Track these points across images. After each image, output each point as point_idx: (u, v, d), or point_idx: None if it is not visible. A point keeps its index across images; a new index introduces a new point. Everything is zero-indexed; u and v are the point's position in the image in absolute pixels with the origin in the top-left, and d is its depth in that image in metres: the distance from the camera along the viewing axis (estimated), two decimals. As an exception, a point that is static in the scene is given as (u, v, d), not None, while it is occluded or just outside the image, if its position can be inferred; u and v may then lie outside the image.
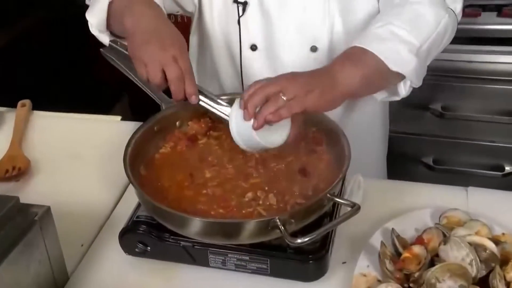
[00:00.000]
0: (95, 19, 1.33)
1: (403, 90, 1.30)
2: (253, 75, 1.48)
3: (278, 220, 1.00)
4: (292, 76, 1.12)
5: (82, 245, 1.24)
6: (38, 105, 1.73)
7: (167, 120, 1.27)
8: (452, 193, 1.32)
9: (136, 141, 1.19)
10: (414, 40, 1.23)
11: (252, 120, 1.07)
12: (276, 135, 1.10)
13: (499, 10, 2.15)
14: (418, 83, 1.28)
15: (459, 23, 1.40)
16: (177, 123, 1.28)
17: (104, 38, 1.37)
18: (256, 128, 1.07)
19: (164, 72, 1.12)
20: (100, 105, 2.08)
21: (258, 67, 1.48)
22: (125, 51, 1.21)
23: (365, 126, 1.59)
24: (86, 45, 2.69)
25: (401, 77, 1.25)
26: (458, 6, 1.37)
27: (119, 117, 1.64)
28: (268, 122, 1.07)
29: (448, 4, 1.34)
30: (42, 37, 2.71)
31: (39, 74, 2.65)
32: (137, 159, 1.17)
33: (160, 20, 1.19)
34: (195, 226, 1.04)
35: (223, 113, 1.17)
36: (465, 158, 2.37)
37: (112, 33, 1.36)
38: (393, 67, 1.20)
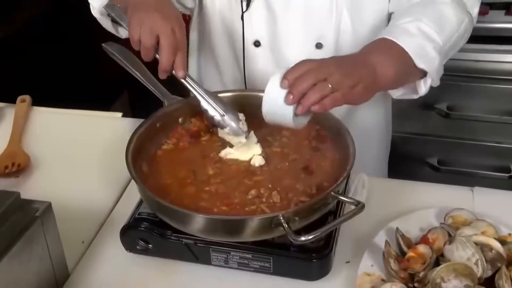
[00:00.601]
0: (98, 1, 1.35)
1: (423, 88, 1.32)
2: (256, 72, 1.49)
3: (281, 218, 1.01)
4: (340, 64, 1.14)
5: (83, 242, 1.25)
6: (38, 101, 1.74)
7: (169, 116, 1.28)
8: (458, 193, 1.33)
9: (138, 138, 1.20)
10: (438, 39, 1.27)
11: (291, 105, 1.09)
12: (303, 118, 1.13)
13: (507, 8, 2.17)
14: (437, 82, 1.31)
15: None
16: (180, 119, 1.29)
17: (106, 22, 1.39)
18: (300, 113, 1.09)
19: (156, 41, 1.15)
20: (100, 101, 2.09)
21: (261, 64, 1.49)
22: (123, 13, 1.25)
23: (368, 126, 1.60)
24: (87, 40, 2.72)
25: (420, 75, 1.28)
26: (475, 10, 1.42)
27: (120, 114, 1.65)
28: (312, 111, 1.09)
29: (467, 8, 1.38)
30: (42, 31, 2.72)
31: (39, 69, 2.66)
32: (139, 156, 1.18)
33: None
34: (198, 223, 1.05)
35: (206, 100, 1.23)
36: (471, 159, 2.38)
37: (112, 19, 1.37)
38: (420, 63, 1.23)
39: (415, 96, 1.35)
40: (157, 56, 1.19)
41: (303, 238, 0.99)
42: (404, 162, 2.43)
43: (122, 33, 1.40)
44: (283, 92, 1.09)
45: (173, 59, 1.17)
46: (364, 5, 1.42)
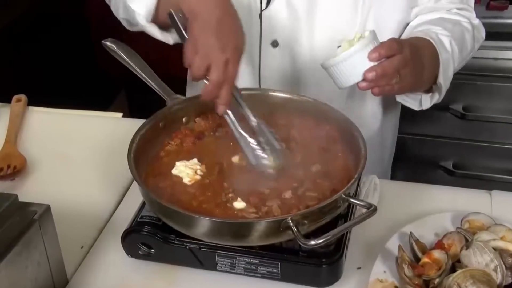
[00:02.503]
0: (143, 7, 1.30)
1: (429, 103, 1.40)
2: (272, 72, 1.50)
3: (290, 221, 1.02)
4: (415, 60, 1.24)
5: (82, 247, 1.26)
6: (34, 100, 1.76)
7: (173, 116, 1.30)
8: (475, 196, 1.34)
9: (140, 138, 1.21)
10: (457, 61, 1.39)
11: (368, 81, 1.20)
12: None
13: (528, 2, 2.18)
14: (440, 100, 1.41)
15: (483, 17, 1.49)
16: (184, 119, 1.31)
17: (153, 29, 1.34)
18: (362, 88, 1.22)
19: (207, 70, 1.12)
20: (98, 101, 2.11)
21: (278, 65, 1.49)
22: (181, 25, 1.17)
23: (372, 128, 1.62)
24: (84, 38, 2.74)
25: (427, 88, 1.38)
26: (477, 46, 1.52)
27: (120, 114, 1.67)
28: (373, 92, 1.23)
29: (479, 32, 1.50)
30: (37, 29, 2.74)
31: (34, 68, 2.68)
32: (141, 157, 1.19)
33: (226, 5, 1.19)
34: (203, 226, 1.06)
35: (242, 136, 1.18)
36: (488, 162, 2.39)
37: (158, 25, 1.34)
38: (441, 79, 1.33)
39: (416, 108, 1.42)
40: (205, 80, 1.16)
41: (312, 242, 1.00)
42: (417, 166, 2.44)
43: (170, 39, 1.36)
44: (367, 62, 1.19)
45: (216, 94, 1.14)
46: (389, 13, 1.46)
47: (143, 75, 1.30)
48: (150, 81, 1.30)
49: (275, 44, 1.47)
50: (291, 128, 1.28)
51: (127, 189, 1.41)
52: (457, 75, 1.64)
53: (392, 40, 1.22)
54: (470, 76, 2.24)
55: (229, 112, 1.17)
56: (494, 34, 2.14)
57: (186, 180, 1.17)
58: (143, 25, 1.33)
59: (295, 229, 1.01)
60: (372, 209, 1.05)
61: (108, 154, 1.52)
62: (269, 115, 1.29)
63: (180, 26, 1.17)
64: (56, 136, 1.62)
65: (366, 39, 1.19)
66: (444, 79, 1.33)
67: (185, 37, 1.16)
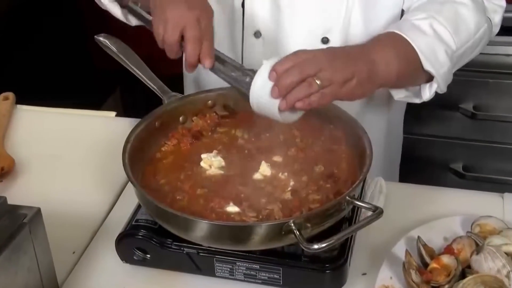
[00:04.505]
0: None
1: (428, 93, 1.34)
2: (254, 65, 1.51)
3: (292, 224, 1.03)
4: (332, 56, 1.16)
5: (73, 253, 1.27)
6: (22, 98, 1.76)
7: (169, 115, 1.31)
8: (486, 199, 1.36)
9: (135, 138, 1.22)
10: (452, 42, 1.29)
11: (277, 98, 1.12)
12: (293, 114, 1.16)
13: (544, -5, 2.18)
14: (443, 89, 1.33)
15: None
16: (181, 118, 1.32)
17: (115, 9, 1.41)
18: (283, 109, 1.12)
19: (181, 35, 1.18)
20: (91, 100, 2.12)
21: (260, 56, 1.49)
22: (145, 13, 1.28)
23: (374, 128, 1.62)
24: (77, 33, 2.75)
25: (427, 78, 1.30)
26: (497, 17, 1.43)
27: (113, 113, 1.68)
28: (296, 108, 1.12)
29: (487, 13, 1.40)
30: (25, 24, 2.75)
31: (23, 64, 2.69)
32: (136, 157, 1.20)
33: None
34: (202, 230, 1.07)
35: (241, 86, 1.21)
36: (500, 164, 2.39)
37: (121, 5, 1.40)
38: (427, 65, 1.25)
39: (418, 101, 1.37)
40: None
41: (316, 246, 1.01)
42: (425, 168, 2.45)
43: (133, 20, 1.43)
44: (270, 84, 1.13)
45: (198, 50, 1.19)
46: (376, 3, 1.45)
47: (138, 71, 1.32)
48: (145, 78, 1.32)
49: (257, 34, 1.49)
50: (293, 128, 1.29)
51: (120, 191, 1.42)
52: (466, 72, 1.63)
53: (291, 53, 1.17)
54: (480, 73, 2.24)
55: (218, 65, 1.23)
56: (506, 28, 2.12)
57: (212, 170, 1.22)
58: (105, 4, 1.41)
59: (298, 232, 1.03)
60: (378, 212, 1.07)
61: (100, 155, 1.53)
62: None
63: (143, 14, 1.28)
64: (47, 136, 1.62)
65: (263, 65, 1.16)
66: (433, 64, 1.26)
67: (149, 20, 1.24)
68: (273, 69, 1.13)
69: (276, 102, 1.13)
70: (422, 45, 1.25)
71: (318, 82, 1.11)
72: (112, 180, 1.43)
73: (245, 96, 1.18)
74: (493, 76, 2.27)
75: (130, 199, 1.24)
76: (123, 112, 2.83)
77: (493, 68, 2.26)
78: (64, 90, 2.55)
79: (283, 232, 1.04)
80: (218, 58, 1.23)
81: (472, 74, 2.20)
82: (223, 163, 1.23)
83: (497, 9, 1.43)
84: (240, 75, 1.21)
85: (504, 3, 1.45)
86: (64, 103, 1.74)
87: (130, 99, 3.03)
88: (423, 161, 2.44)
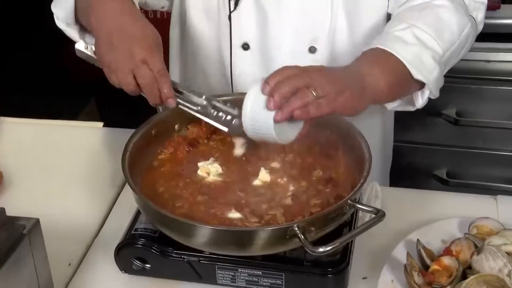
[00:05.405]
0: (62, 11, 1.36)
1: (420, 100, 1.37)
2: (244, 77, 1.54)
3: (296, 228, 1.05)
4: (323, 71, 1.18)
5: (69, 265, 1.28)
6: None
7: (164, 123, 1.33)
8: (480, 202, 1.40)
9: (133, 146, 1.24)
10: (437, 47, 1.32)
11: (272, 110, 1.11)
12: (289, 132, 1.17)
13: (521, 2, 2.23)
14: (436, 94, 1.36)
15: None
16: (176, 126, 1.34)
17: (72, 33, 1.39)
18: (279, 120, 1.11)
19: (135, 79, 1.17)
20: (65, 111, 2.13)
21: (249, 68, 1.53)
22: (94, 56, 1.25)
23: (376, 133, 1.66)
24: (47, 45, 2.74)
25: (419, 86, 1.33)
26: (480, 15, 1.46)
27: (101, 124, 1.69)
28: (294, 117, 1.12)
29: (470, 12, 1.42)
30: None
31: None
32: (134, 166, 1.22)
33: (126, 15, 1.22)
34: (208, 236, 1.10)
35: (206, 117, 1.23)
36: (483, 170, 2.43)
37: (81, 26, 1.39)
38: (416, 74, 1.28)
39: (412, 108, 1.40)
40: None
41: (321, 249, 1.04)
42: (408, 175, 2.46)
43: (89, 41, 1.38)
44: (264, 98, 1.13)
45: (157, 91, 1.18)
46: (362, 6, 1.48)
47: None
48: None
49: (245, 47, 1.51)
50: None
51: (113, 201, 1.44)
52: (448, 78, 1.67)
53: (281, 67, 1.17)
54: (462, 79, 2.27)
55: (181, 101, 1.22)
56: (486, 35, 2.17)
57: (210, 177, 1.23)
58: (63, 29, 1.40)
59: (302, 236, 1.05)
60: (380, 215, 1.10)
61: (89, 166, 1.54)
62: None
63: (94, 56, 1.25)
64: (34, 148, 1.64)
65: (254, 83, 1.16)
66: (421, 72, 1.29)
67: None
68: (266, 81, 1.14)
69: (271, 116, 1.12)
70: (407, 55, 1.27)
71: (313, 92, 1.12)
72: (103, 191, 1.45)
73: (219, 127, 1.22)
74: (474, 82, 2.31)
75: (124, 209, 1.26)
76: (100, 121, 2.82)
77: (474, 74, 2.30)
78: (39, 102, 2.55)
79: (287, 236, 1.06)
80: (179, 92, 1.23)
81: (454, 80, 2.22)
82: (220, 170, 1.25)
83: (479, 6, 1.46)
84: (207, 105, 1.23)
85: (485, 0, 1.48)
86: (39, 113, 1.75)
87: (106, 109, 3.02)
88: (407, 168, 2.46)
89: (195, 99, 1.23)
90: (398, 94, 1.35)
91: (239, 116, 1.19)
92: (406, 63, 1.27)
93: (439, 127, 2.40)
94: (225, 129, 1.22)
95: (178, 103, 1.21)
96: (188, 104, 1.23)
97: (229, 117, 1.22)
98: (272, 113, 1.12)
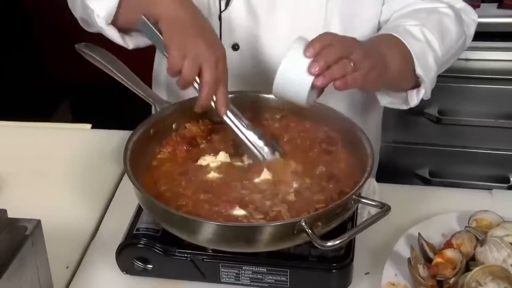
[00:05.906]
0: (103, 8, 1.33)
1: (415, 99, 1.42)
2: (233, 77, 1.54)
3: (304, 223, 1.07)
4: (361, 45, 1.22)
5: (67, 267, 1.28)
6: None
7: (162, 122, 1.33)
8: (475, 196, 1.43)
9: (133, 146, 1.24)
10: (439, 49, 1.39)
11: (313, 75, 1.15)
12: (312, 96, 1.20)
13: (500, 1, 2.26)
14: (429, 95, 1.42)
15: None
16: (174, 125, 1.35)
17: (112, 32, 1.38)
18: (319, 85, 1.16)
19: (198, 72, 1.19)
20: (38, 112, 2.11)
21: (239, 70, 1.53)
22: (157, 31, 1.24)
23: (373, 128, 1.69)
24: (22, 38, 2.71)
25: (413, 83, 1.39)
26: (471, 30, 1.55)
27: (89, 125, 1.69)
28: (333, 86, 1.16)
29: (464, 27, 1.50)
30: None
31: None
32: (134, 166, 1.22)
33: (197, 11, 1.27)
34: (215, 233, 1.10)
35: (247, 138, 1.26)
36: (466, 169, 2.46)
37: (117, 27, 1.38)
38: (419, 69, 1.34)
39: (405, 107, 1.45)
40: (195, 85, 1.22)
41: (329, 244, 1.05)
42: (390, 175, 2.48)
43: (130, 43, 1.41)
44: (307, 61, 1.16)
45: (213, 95, 1.21)
46: (357, 12, 1.51)
47: (127, 81, 1.34)
48: (135, 87, 1.34)
49: (235, 47, 1.52)
50: (289, 131, 1.35)
51: (107, 202, 1.44)
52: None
53: (323, 33, 1.22)
54: (443, 78, 2.26)
55: (229, 113, 1.25)
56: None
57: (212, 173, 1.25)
58: (102, 28, 1.37)
59: (310, 231, 1.06)
60: (385, 209, 1.12)
61: (80, 168, 1.54)
62: (262, 117, 1.38)
63: (157, 32, 1.24)
64: (23, 151, 1.63)
65: (296, 43, 1.19)
66: (423, 69, 1.35)
67: (162, 42, 1.22)
68: (310, 45, 1.16)
69: (310, 80, 1.15)
70: (416, 49, 1.34)
71: (351, 64, 1.17)
72: (96, 192, 1.45)
73: (249, 152, 1.27)
74: (454, 81, 2.34)
75: (120, 210, 1.27)
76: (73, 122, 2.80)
77: (455, 73, 2.31)
78: (10, 103, 2.52)
79: (295, 232, 1.08)
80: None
81: (436, 78, 2.25)
82: (228, 159, 1.28)
83: (471, 23, 1.55)
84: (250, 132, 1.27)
85: (477, 18, 1.57)
86: (10, 115, 1.74)
87: (81, 110, 2.99)
88: (390, 167, 2.45)
89: (242, 118, 1.27)
90: (401, 82, 1.40)
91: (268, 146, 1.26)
92: (414, 56, 1.33)
93: (421, 126, 2.43)
94: (260, 156, 1.27)
95: (227, 115, 1.25)
96: (234, 119, 1.26)
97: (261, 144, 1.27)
98: (311, 77, 1.15)
